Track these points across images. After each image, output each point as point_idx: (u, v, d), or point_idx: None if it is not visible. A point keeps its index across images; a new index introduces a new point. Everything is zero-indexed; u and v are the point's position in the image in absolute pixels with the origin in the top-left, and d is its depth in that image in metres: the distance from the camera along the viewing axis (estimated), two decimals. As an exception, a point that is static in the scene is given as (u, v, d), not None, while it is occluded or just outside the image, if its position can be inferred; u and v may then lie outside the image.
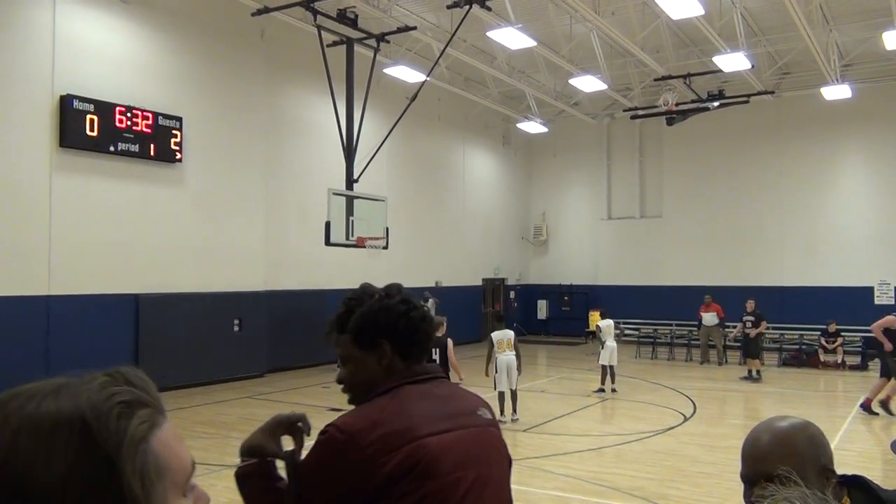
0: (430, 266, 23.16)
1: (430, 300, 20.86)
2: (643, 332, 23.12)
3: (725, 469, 9.21)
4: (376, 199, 15.90)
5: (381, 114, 18.69)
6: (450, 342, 10.17)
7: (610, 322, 15.30)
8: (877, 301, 22.10)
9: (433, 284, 22.97)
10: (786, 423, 1.78)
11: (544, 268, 28.77)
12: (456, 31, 15.40)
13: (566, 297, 27.64)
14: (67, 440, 0.80)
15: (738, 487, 7.70)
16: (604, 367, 14.87)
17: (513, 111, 24.85)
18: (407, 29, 15.88)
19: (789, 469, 1.64)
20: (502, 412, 11.83)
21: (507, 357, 11.84)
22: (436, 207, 23.86)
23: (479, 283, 26.18)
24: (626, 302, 25.55)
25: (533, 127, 25.38)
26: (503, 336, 11.97)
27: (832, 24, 18.66)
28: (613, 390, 14.99)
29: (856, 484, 1.72)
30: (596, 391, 15.02)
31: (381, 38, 15.76)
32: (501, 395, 11.92)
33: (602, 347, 14.93)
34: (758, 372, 17.12)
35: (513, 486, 2.25)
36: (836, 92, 20.46)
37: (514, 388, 11.99)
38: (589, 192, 28.03)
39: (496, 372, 11.88)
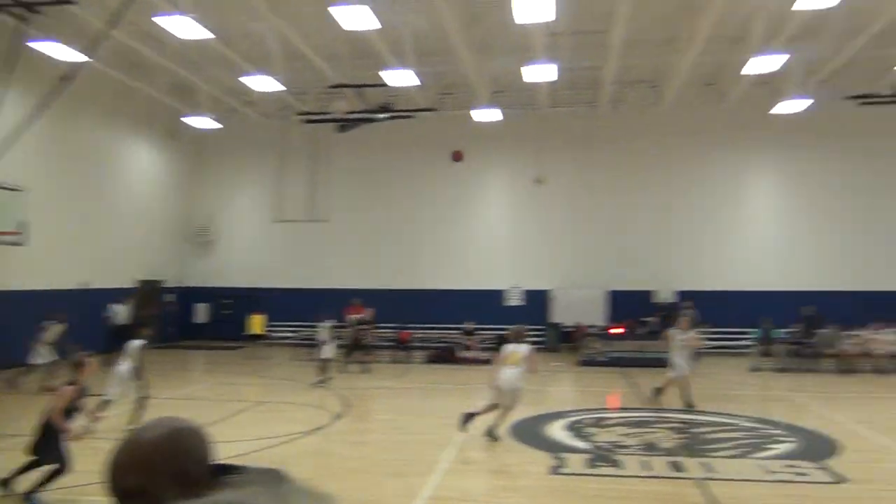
0: (78, 264, 21.21)
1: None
2: (302, 335, 23.42)
3: (371, 463, 9.77)
4: (13, 189, 14.19)
5: (30, 95, 16.64)
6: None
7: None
8: (506, 303, 25.32)
9: (81, 285, 21.14)
10: (146, 433, 1.66)
11: (210, 270, 27.79)
12: (121, 12, 14.31)
13: (229, 301, 27.02)
14: None
15: (385, 480, 8.49)
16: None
17: (182, 104, 23.72)
18: (65, 1, 14.38)
19: (140, 482, 1.58)
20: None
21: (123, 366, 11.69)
22: (90, 201, 21.99)
23: (135, 284, 24.45)
24: (288, 304, 25.86)
25: (204, 122, 24.45)
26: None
27: (487, 54, 20.70)
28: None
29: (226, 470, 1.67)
30: None
31: (30, 5, 14.08)
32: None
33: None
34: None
35: None
36: (486, 115, 22.81)
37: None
38: (260, 193, 27.80)
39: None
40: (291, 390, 16.03)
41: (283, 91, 20.92)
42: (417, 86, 20.31)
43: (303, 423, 12.57)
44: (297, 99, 23.06)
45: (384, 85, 20.19)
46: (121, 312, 20.14)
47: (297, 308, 25.12)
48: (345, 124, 21.50)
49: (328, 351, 16.83)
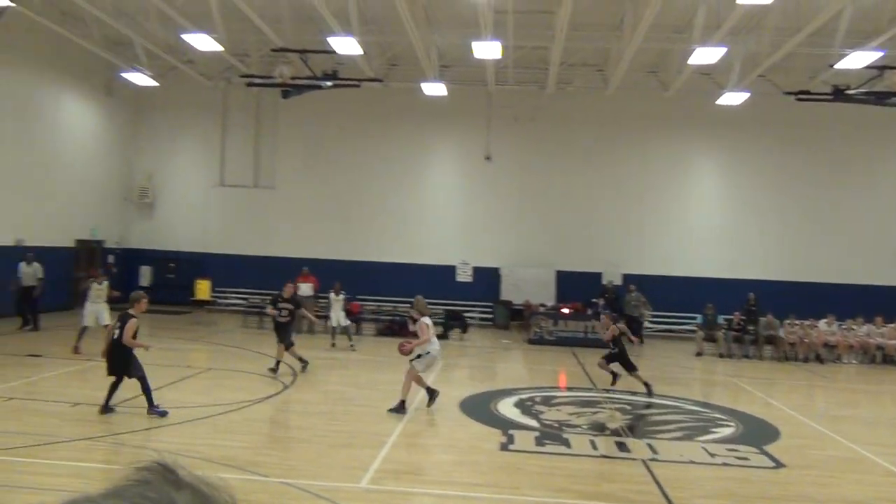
0: (11, 222, 20.27)
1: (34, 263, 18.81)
2: (251, 302, 22.90)
3: (316, 433, 9.49)
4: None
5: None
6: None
7: None
8: (458, 279, 25.00)
9: (17, 242, 20.16)
10: None
11: (150, 232, 26.73)
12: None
13: (172, 264, 26.10)
14: None
15: (333, 451, 7.96)
16: None
17: (119, 59, 22.51)
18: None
19: None
20: None
21: None
22: (20, 155, 20.91)
23: (72, 244, 23.46)
24: (234, 271, 25.32)
25: (141, 79, 23.29)
26: None
27: (434, 27, 20.19)
28: None
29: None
30: None
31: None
32: None
33: None
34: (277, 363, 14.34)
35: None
36: (434, 89, 22.48)
37: None
38: (202, 156, 26.84)
39: None
40: (240, 358, 15.59)
41: (224, 52, 20.04)
42: (363, 55, 19.79)
43: (252, 391, 12.23)
44: (240, 61, 22.18)
45: (329, 52, 19.45)
46: (28, 274, 18.69)
47: (244, 275, 24.81)
48: (289, 90, 20.64)
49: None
